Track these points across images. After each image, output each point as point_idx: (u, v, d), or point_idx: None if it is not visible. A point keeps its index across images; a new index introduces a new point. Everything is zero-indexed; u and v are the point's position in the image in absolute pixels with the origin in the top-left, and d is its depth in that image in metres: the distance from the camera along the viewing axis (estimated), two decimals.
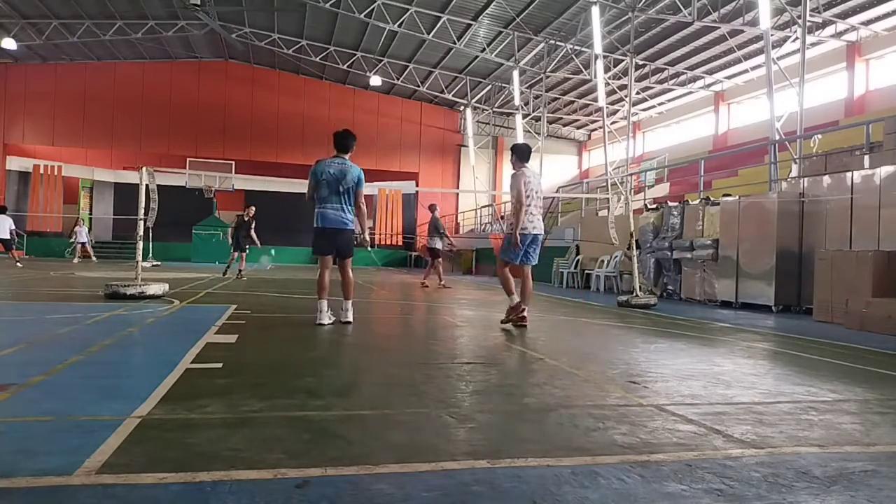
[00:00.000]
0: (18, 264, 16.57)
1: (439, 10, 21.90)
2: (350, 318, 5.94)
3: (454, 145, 33.42)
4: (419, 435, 2.47)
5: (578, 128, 34.53)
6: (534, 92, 28.81)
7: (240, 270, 13.98)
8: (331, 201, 5.87)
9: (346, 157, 6.02)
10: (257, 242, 14.24)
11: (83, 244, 23.20)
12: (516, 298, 6.21)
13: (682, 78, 25.06)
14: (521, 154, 6.41)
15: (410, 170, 33.32)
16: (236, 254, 14.24)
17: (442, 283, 13.13)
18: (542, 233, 6.50)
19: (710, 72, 24.24)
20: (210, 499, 1.75)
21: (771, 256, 9.51)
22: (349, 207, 5.96)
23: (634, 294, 9.70)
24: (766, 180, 12.86)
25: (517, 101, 26.44)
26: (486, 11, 21.55)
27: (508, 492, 1.88)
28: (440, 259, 13.50)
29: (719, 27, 19.37)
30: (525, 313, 6.19)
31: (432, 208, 13.57)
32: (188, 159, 25.66)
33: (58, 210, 28.95)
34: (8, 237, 17.27)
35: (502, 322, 6.32)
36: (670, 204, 13.06)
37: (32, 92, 29.90)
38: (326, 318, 5.91)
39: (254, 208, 14.58)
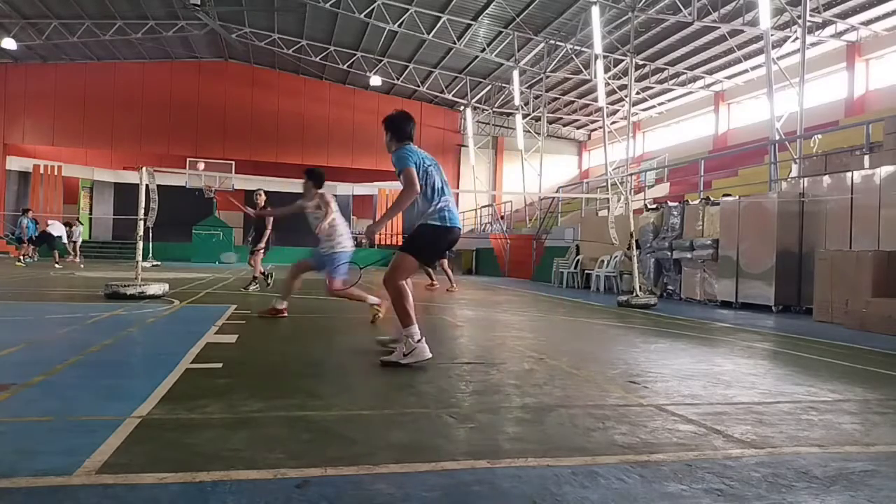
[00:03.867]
0: (58, 265, 17.37)
1: (439, 10, 21.90)
2: None
3: (454, 145, 33.42)
4: (419, 435, 2.46)
5: (578, 128, 34.54)
6: (534, 92, 28.80)
7: (264, 275, 10.31)
8: (446, 193, 4.25)
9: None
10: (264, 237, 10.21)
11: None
12: (375, 299, 6.48)
13: (682, 78, 25.07)
14: (318, 180, 6.74)
15: None
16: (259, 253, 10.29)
17: (433, 283, 12.38)
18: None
19: (710, 72, 24.25)
20: (210, 499, 1.75)
21: (771, 256, 9.50)
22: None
23: (634, 294, 9.69)
24: (766, 180, 12.86)
25: (517, 101, 26.45)
26: (486, 11, 21.55)
27: (508, 492, 1.88)
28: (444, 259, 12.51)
29: (719, 27, 19.37)
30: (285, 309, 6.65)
31: None
32: (188, 159, 25.67)
33: (58, 210, 28.90)
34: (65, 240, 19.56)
35: (372, 321, 6.39)
36: (670, 204, 13.05)
37: (32, 92, 29.90)
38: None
39: (263, 192, 10.55)
